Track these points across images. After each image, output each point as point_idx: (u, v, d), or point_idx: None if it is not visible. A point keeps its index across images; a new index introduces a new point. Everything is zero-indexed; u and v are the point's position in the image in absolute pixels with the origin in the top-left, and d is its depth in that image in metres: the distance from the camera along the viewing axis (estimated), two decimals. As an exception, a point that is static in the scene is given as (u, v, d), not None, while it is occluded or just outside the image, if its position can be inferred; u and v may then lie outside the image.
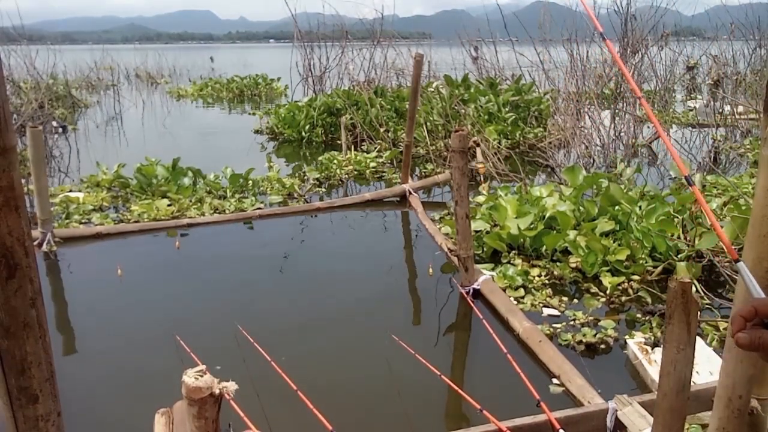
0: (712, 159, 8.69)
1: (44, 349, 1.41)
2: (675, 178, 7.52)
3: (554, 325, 3.99)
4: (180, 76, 26.44)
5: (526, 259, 5.11)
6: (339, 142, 9.87)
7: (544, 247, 5.07)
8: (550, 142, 9.36)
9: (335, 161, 8.61)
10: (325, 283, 4.98)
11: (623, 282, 4.57)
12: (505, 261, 5.04)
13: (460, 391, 2.86)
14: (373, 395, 3.40)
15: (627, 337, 3.77)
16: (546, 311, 4.24)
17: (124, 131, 13.43)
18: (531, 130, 10.27)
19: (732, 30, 12.08)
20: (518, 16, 12.20)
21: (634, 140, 9.20)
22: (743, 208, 5.03)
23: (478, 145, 7.86)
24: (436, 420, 3.21)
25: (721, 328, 3.85)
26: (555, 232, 5.16)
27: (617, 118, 9.13)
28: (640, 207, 5.30)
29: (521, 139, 10.00)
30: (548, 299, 4.40)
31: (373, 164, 8.83)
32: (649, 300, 4.32)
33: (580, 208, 5.55)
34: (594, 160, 8.52)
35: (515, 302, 4.27)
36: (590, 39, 10.20)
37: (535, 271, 4.81)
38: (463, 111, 10.01)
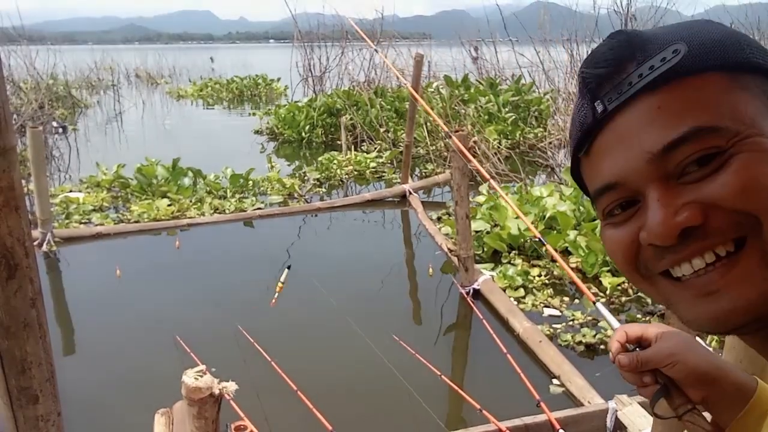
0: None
1: (44, 349, 1.41)
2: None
3: (554, 326, 3.99)
4: (180, 77, 26.41)
5: (526, 259, 5.11)
6: (339, 142, 9.88)
7: (544, 248, 5.06)
8: (550, 142, 9.36)
9: (335, 161, 8.61)
10: (325, 282, 4.97)
11: (623, 282, 4.57)
12: (505, 261, 5.05)
13: (460, 391, 2.86)
14: (373, 395, 3.40)
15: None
16: (547, 311, 4.24)
17: (124, 131, 13.43)
18: (531, 130, 10.27)
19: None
20: (518, 17, 12.22)
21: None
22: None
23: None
24: (436, 420, 3.20)
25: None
26: (555, 232, 5.17)
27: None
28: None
29: (521, 139, 10.00)
30: (549, 299, 4.40)
31: (373, 164, 8.83)
32: (649, 300, 4.32)
33: (581, 208, 5.55)
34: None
35: (516, 302, 4.27)
36: (590, 39, 10.21)
37: (535, 271, 4.81)
38: (463, 111, 10.01)
